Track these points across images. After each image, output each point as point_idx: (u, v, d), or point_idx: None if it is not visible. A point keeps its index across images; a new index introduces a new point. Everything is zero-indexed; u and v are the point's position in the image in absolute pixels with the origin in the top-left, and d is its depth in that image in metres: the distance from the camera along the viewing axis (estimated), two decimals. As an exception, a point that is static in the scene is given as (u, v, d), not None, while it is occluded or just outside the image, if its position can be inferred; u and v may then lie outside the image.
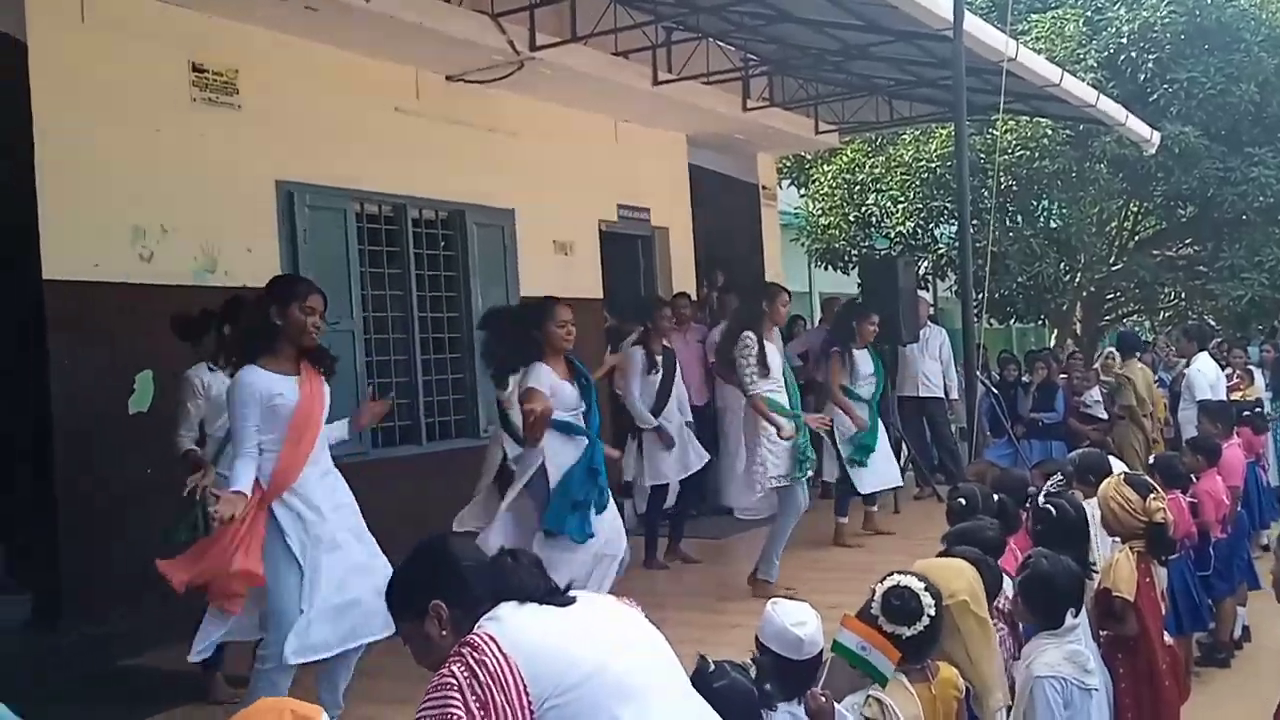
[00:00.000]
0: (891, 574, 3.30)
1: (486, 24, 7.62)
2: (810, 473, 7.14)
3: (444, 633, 2.40)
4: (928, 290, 15.62)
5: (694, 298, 10.10)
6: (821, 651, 3.43)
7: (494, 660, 2.23)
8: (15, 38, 5.97)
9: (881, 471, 8.46)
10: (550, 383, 5.46)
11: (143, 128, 6.44)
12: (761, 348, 6.85)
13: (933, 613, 3.16)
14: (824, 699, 3.06)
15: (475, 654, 2.24)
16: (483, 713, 2.18)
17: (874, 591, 3.29)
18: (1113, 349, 11.73)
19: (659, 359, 7.68)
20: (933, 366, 10.10)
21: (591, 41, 8.38)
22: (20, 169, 5.89)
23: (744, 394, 6.90)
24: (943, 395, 10.13)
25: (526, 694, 2.21)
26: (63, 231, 6.00)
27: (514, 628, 2.31)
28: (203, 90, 6.78)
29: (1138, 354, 10.55)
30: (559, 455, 5.51)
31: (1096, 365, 12.12)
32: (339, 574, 4.30)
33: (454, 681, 2.21)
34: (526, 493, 5.57)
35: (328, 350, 4.50)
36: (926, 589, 3.20)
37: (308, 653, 4.22)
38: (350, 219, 7.61)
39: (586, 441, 5.59)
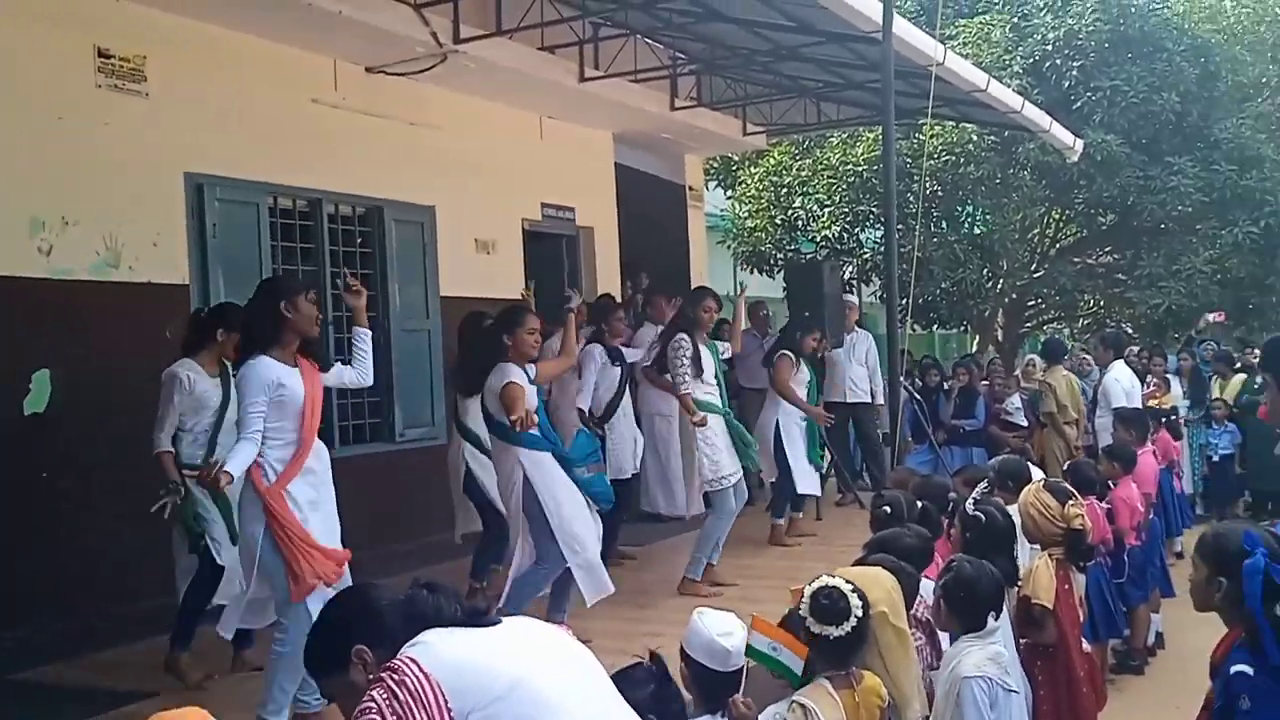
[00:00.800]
0: (818, 577, 3.26)
1: (409, 14, 7.44)
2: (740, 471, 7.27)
3: (370, 677, 2.33)
4: (853, 295, 15.70)
5: (618, 299, 9.99)
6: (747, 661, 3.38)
7: (413, 679, 2.19)
8: (-94, 18, 5.69)
9: (813, 474, 8.71)
10: (523, 376, 5.66)
11: (44, 115, 6.18)
12: (696, 350, 7.03)
13: (860, 614, 3.17)
14: (745, 707, 3.03)
15: (394, 675, 2.20)
16: None
17: (795, 599, 3.26)
18: (1034, 356, 11.86)
19: (615, 355, 7.87)
20: (859, 372, 10.10)
21: (517, 35, 8.24)
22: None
23: (675, 394, 7.08)
24: (869, 400, 10.13)
25: (448, 708, 2.17)
26: (-45, 222, 5.73)
27: (435, 648, 2.28)
28: (108, 77, 6.53)
29: (1062, 361, 10.65)
30: (538, 467, 5.69)
31: (1018, 372, 12.24)
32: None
33: (374, 705, 2.18)
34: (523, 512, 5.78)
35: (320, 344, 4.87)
36: (854, 590, 3.19)
37: None
38: (263, 213, 7.38)
39: (551, 452, 5.77)
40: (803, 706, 3.07)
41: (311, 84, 7.72)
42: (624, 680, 2.80)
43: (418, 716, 2.15)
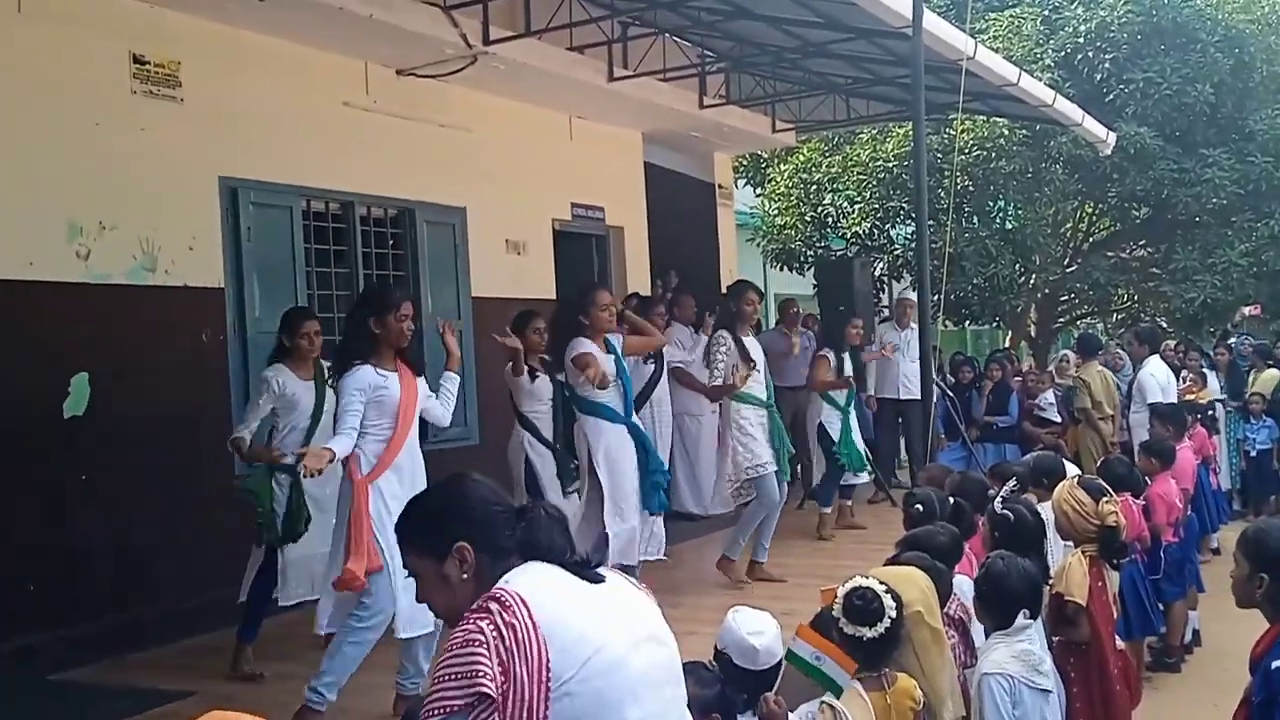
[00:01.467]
0: (851, 577, 3.27)
1: (439, 17, 7.48)
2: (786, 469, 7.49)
3: (464, 578, 2.19)
4: (884, 292, 15.64)
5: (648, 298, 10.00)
6: (780, 661, 3.39)
7: (524, 626, 2.02)
8: (-53, 27, 5.78)
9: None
10: (595, 351, 6.06)
11: (81, 121, 6.25)
12: (740, 344, 7.23)
13: (894, 615, 3.18)
14: (777, 706, 3.04)
15: (506, 614, 2.03)
16: (504, 679, 1.98)
17: (826, 600, 3.26)
18: (1068, 351, 11.77)
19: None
20: (912, 369, 10.10)
21: (546, 36, 8.26)
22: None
23: (703, 389, 7.44)
24: (919, 397, 10.14)
25: (548, 671, 2.01)
26: (-5, 228, 5.81)
27: (544, 593, 2.09)
28: (144, 82, 6.59)
29: (1096, 356, 10.58)
30: (605, 437, 6.11)
31: (1051, 368, 12.15)
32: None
33: (483, 639, 2.00)
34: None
35: (419, 351, 5.24)
36: (888, 591, 3.19)
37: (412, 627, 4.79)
38: (296, 216, 7.43)
39: (625, 428, 6.17)
40: (832, 708, 3.08)
41: (343, 87, 7.77)
42: (691, 677, 2.80)
43: (519, 671, 1.99)
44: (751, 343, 7.36)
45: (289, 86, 7.36)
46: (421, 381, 5.12)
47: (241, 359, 6.89)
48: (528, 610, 2.03)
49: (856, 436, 8.85)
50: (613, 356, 6.16)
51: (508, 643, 2.00)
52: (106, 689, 5.42)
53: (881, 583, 3.25)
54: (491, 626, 2.01)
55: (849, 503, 9.15)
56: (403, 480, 4.88)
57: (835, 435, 8.67)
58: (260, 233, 7.16)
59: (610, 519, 6.02)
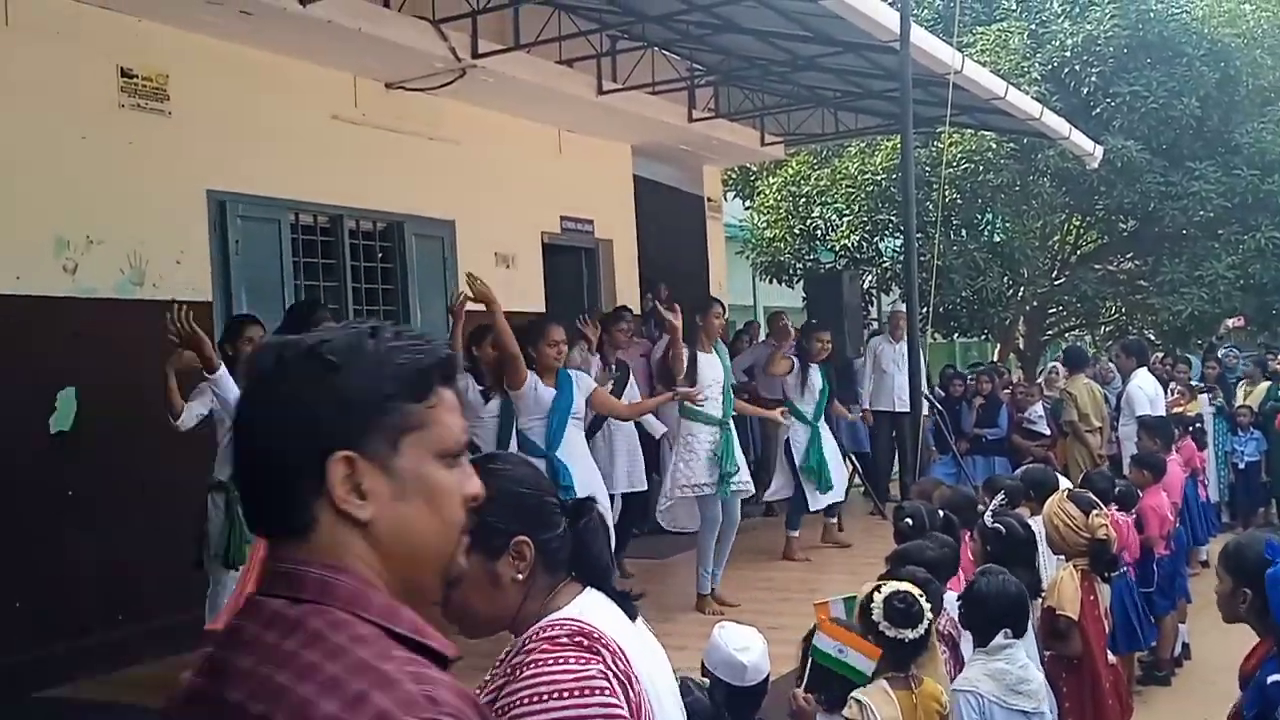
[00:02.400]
0: (882, 583, 3.29)
1: (427, 30, 7.48)
2: (738, 488, 7.12)
3: (517, 578, 1.82)
4: (873, 305, 15.67)
5: (637, 311, 10.01)
6: (768, 677, 3.38)
7: (634, 683, 1.72)
8: (-68, 40, 5.75)
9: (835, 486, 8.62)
10: (534, 383, 5.88)
11: (68, 134, 6.23)
12: (694, 358, 6.97)
13: (930, 617, 3.17)
14: (805, 702, 3.05)
15: (618, 662, 1.71)
16: None
17: (831, 611, 3.27)
18: (1057, 364, 11.79)
19: (614, 367, 7.83)
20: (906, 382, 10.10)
21: (535, 50, 8.27)
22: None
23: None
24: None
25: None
26: (-19, 242, 5.78)
27: (626, 639, 1.80)
28: (131, 96, 6.58)
29: (1084, 369, 10.60)
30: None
31: (1040, 380, 12.17)
32: None
33: (608, 686, 1.66)
34: None
35: None
36: (921, 594, 3.20)
37: None
38: (285, 230, 7.42)
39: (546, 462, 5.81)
40: (859, 703, 3.09)
41: (332, 100, 7.76)
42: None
43: None
44: (708, 359, 7.09)
45: (277, 99, 7.35)
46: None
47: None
48: (627, 662, 1.73)
49: (830, 452, 8.58)
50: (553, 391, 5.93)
51: (631, 701, 1.70)
52: (92, 706, 5.37)
53: (912, 586, 3.26)
54: (606, 671, 1.69)
55: (834, 520, 8.93)
56: None
57: (799, 453, 8.43)
58: (248, 246, 7.14)
59: None
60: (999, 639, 3.60)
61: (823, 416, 8.68)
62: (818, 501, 8.50)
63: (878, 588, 3.25)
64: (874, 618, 3.17)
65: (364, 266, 8.09)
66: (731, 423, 7.21)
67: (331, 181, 7.70)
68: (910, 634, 3.14)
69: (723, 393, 7.15)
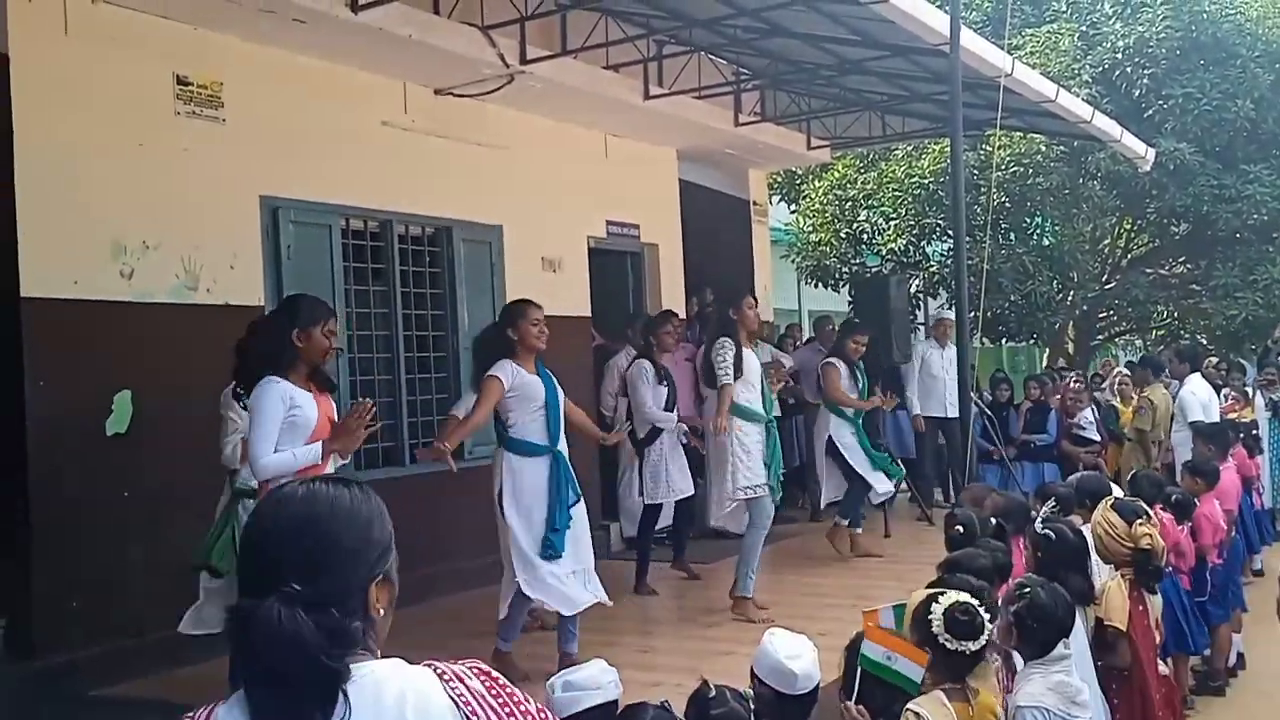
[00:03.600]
0: (940, 593, 3.22)
1: (477, 37, 7.53)
2: (780, 484, 7.21)
3: None
4: (920, 309, 15.57)
5: (683, 315, 10.02)
6: (818, 685, 3.36)
7: None
8: (-4, 49, 5.87)
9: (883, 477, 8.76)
10: (513, 373, 5.67)
11: (125, 141, 6.33)
12: (739, 351, 6.97)
13: (990, 627, 3.12)
14: (859, 714, 3.02)
15: None
16: None
17: (880, 619, 3.24)
18: (1124, 369, 11.63)
19: (663, 372, 7.87)
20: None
21: (582, 55, 8.30)
22: (0, 183, 5.79)
23: (717, 387, 6.97)
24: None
25: None
26: (41, 248, 5.88)
27: None
28: (187, 103, 6.67)
29: (1161, 377, 10.45)
30: (522, 476, 5.66)
31: (1105, 385, 12.02)
32: None
33: None
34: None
35: (325, 373, 4.74)
36: (980, 605, 3.16)
37: None
38: (335, 235, 7.50)
39: (550, 459, 5.71)
40: (916, 715, 3.05)
41: (382, 107, 7.84)
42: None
43: None
44: (749, 355, 7.09)
45: (329, 106, 7.43)
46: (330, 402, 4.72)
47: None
48: None
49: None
50: (543, 382, 5.77)
51: None
52: (149, 705, 5.45)
53: (971, 596, 3.22)
54: None
55: (859, 530, 8.81)
56: None
57: (848, 449, 8.52)
58: (300, 251, 7.22)
59: (518, 563, 5.56)
60: (1060, 649, 3.55)
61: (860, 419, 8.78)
62: (884, 485, 8.66)
63: (934, 597, 3.20)
64: (934, 629, 3.12)
65: (413, 271, 8.15)
66: (774, 419, 7.26)
67: (381, 187, 7.77)
68: (972, 646, 3.09)
69: (763, 389, 7.14)
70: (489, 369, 5.71)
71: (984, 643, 3.08)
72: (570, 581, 5.66)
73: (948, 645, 3.07)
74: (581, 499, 5.87)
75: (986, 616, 3.11)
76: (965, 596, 3.17)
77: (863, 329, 9.12)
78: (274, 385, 4.42)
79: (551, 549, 5.59)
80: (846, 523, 8.69)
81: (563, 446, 5.79)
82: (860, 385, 8.78)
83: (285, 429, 4.38)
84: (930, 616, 3.13)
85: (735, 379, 6.89)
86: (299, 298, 4.93)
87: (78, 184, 6.07)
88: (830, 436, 8.61)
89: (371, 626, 1.63)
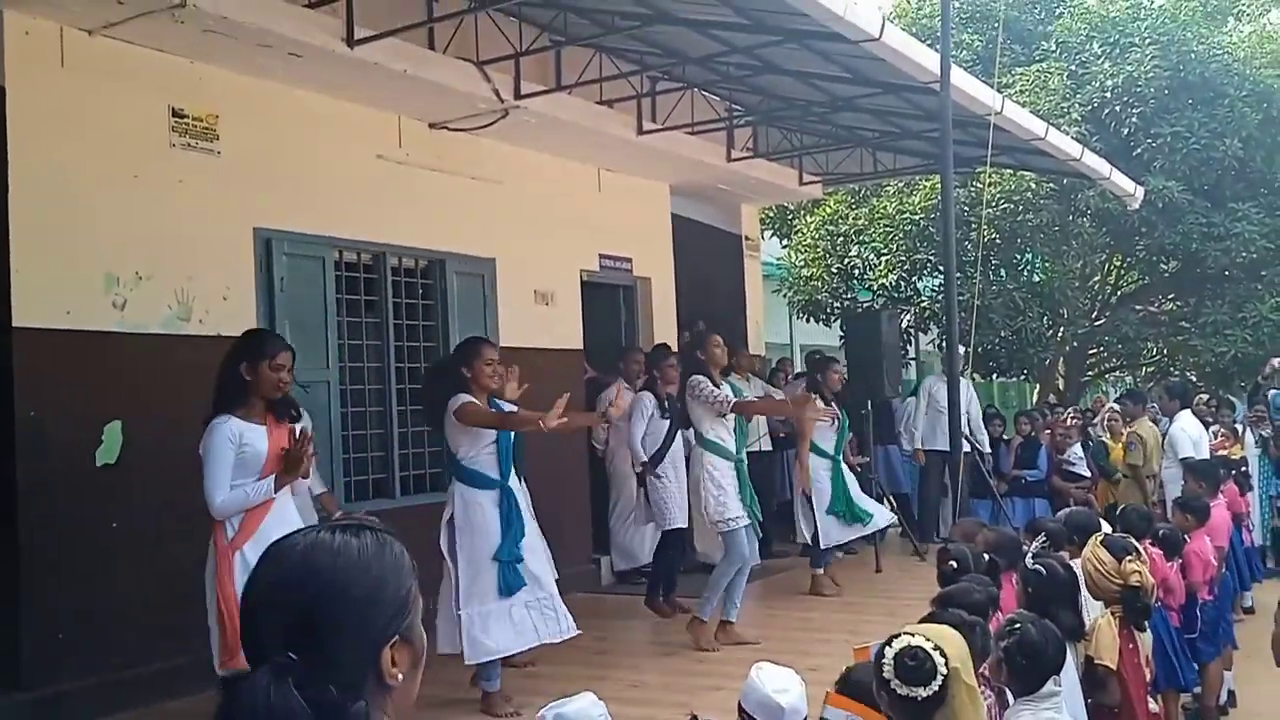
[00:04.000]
0: (897, 636, 3.20)
1: (472, 72, 7.58)
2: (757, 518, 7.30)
3: None
4: (911, 344, 15.62)
5: (674, 349, 10.03)
6: (806, 719, 3.35)
7: None
8: (-8, 81, 5.90)
9: (839, 526, 8.73)
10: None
11: (120, 173, 6.35)
12: (714, 384, 7.16)
13: (945, 671, 3.06)
14: None
15: None
16: None
17: (871, 655, 3.21)
18: (1115, 405, 11.64)
19: (666, 404, 7.93)
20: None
21: (576, 91, 8.36)
22: (-7, 213, 5.81)
23: (720, 412, 7.14)
24: (967, 450, 10.10)
25: None
26: (35, 278, 5.89)
27: None
28: (182, 135, 6.70)
29: (1146, 411, 10.47)
30: (473, 509, 5.72)
31: (1096, 421, 12.03)
32: None
33: None
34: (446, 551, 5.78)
35: (293, 400, 4.84)
36: (936, 649, 3.11)
37: None
38: (329, 267, 7.51)
39: (498, 493, 5.76)
40: None
41: (377, 140, 7.88)
42: None
43: None
44: (725, 390, 7.25)
45: (323, 139, 7.47)
46: (294, 430, 4.76)
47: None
48: None
49: (851, 483, 8.74)
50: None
51: None
52: None
53: (928, 639, 3.19)
54: None
55: (820, 571, 8.82)
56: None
57: (825, 490, 8.57)
58: (293, 283, 7.23)
59: (464, 598, 5.59)
60: (1050, 685, 3.54)
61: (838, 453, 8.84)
62: (827, 540, 8.61)
63: (889, 642, 3.19)
64: (884, 675, 3.11)
65: (405, 303, 8.16)
66: (745, 458, 7.35)
67: (375, 219, 7.80)
68: (923, 692, 3.05)
69: (736, 428, 7.28)
70: (445, 400, 5.76)
71: (936, 688, 3.04)
72: (519, 615, 5.67)
73: (898, 690, 3.04)
74: (536, 531, 5.95)
75: (940, 661, 3.08)
76: (919, 640, 3.13)
77: (833, 361, 9.27)
78: (220, 426, 4.54)
79: (506, 585, 5.63)
80: (820, 571, 8.72)
81: (514, 482, 5.85)
82: (841, 422, 8.82)
83: (237, 465, 4.52)
84: (883, 661, 3.11)
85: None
86: (250, 333, 5.05)
87: (72, 214, 6.09)
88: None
89: (387, 695, 1.44)
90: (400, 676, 1.45)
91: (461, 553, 5.68)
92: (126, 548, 6.10)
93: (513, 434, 5.87)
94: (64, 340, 6.00)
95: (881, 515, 8.95)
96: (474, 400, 5.72)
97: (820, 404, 8.55)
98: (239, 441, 4.53)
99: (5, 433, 5.80)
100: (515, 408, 5.98)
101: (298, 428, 4.74)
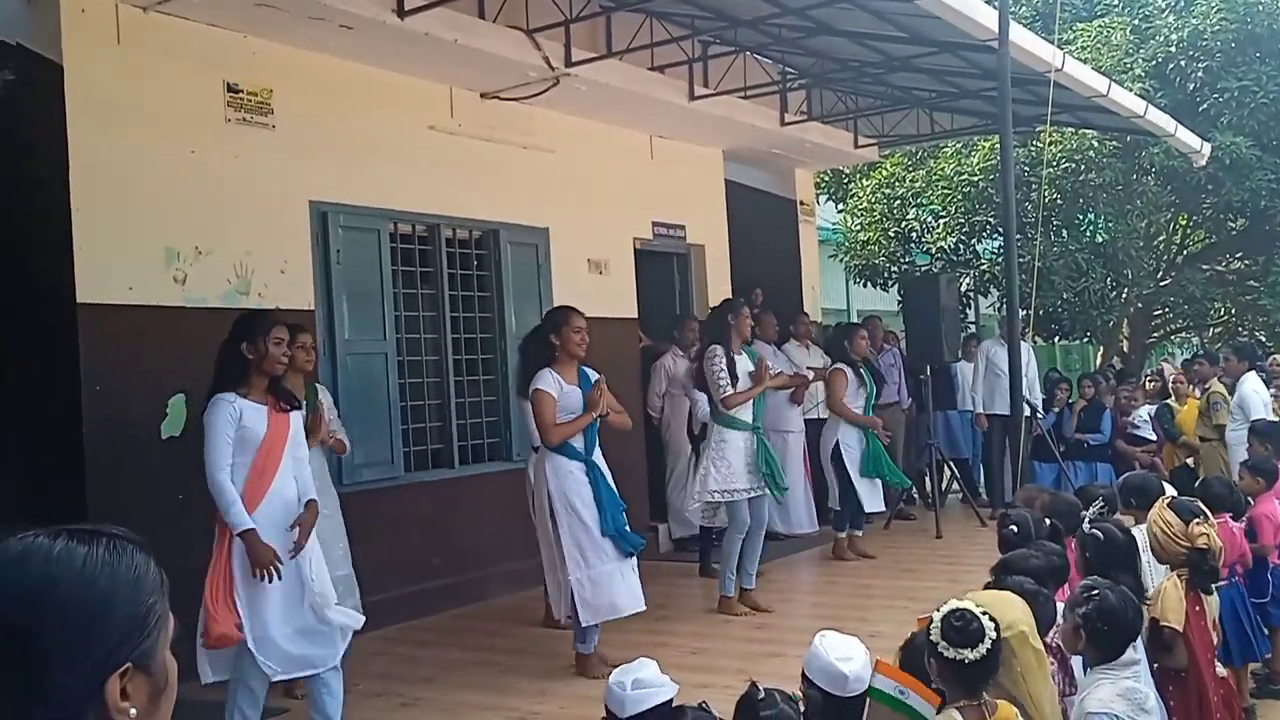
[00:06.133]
0: (945, 602, 3.17)
1: (522, 40, 7.56)
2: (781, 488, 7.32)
3: None
4: (970, 308, 15.42)
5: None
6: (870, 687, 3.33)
7: None
8: (50, 59, 5.97)
9: (876, 489, 8.79)
10: (554, 382, 5.82)
11: (177, 149, 6.42)
12: (730, 360, 7.12)
13: (994, 636, 3.03)
14: None
15: None
16: None
17: (922, 625, 3.18)
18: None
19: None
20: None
21: (627, 57, 8.31)
22: (55, 192, 5.88)
23: (719, 402, 7.15)
24: (1029, 414, 9.98)
25: None
26: (96, 254, 5.98)
27: None
28: (237, 110, 6.75)
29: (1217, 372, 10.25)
30: (568, 479, 5.84)
31: (1155, 383, 11.81)
32: (277, 608, 4.60)
33: None
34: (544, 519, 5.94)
35: (288, 390, 4.87)
36: (985, 613, 3.08)
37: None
38: (384, 239, 7.55)
39: (585, 467, 5.87)
40: None
41: (429, 111, 7.89)
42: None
43: None
44: (741, 361, 7.19)
45: (376, 111, 7.49)
46: (295, 416, 4.78)
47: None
48: None
49: (878, 448, 8.73)
50: (581, 390, 5.91)
51: None
52: (204, 706, 5.51)
53: (977, 604, 3.15)
54: None
55: (859, 533, 8.90)
56: (276, 533, 4.59)
57: (855, 460, 8.57)
58: (349, 255, 7.28)
59: (572, 566, 5.74)
60: (1130, 653, 3.48)
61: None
62: (873, 503, 8.68)
63: (939, 607, 3.15)
64: (932, 639, 3.07)
65: (460, 274, 8.19)
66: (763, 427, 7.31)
67: (429, 191, 7.82)
68: (970, 654, 3.00)
69: (756, 398, 7.21)
70: (532, 377, 5.89)
71: (985, 651, 3.00)
72: (630, 578, 5.85)
73: (945, 653, 3.00)
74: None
75: (989, 624, 3.03)
76: (965, 603, 3.10)
77: (858, 328, 9.28)
78: (220, 403, 4.59)
79: (627, 546, 5.80)
80: (843, 535, 8.71)
81: (598, 457, 5.93)
82: (869, 389, 8.79)
83: (236, 444, 4.57)
84: (931, 626, 3.08)
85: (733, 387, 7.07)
86: (246, 313, 5.11)
87: (131, 191, 6.16)
88: (837, 442, 8.60)
89: None
90: (134, 713, 1.21)
91: (561, 520, 5.79)
92: (194, 520, 6.19)
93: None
94: (127, 315, 6.10)
95: (874, 497, 8.81)
96: (549, 393, 5.79)
97: (850, 372, 8.67)
98: (239, 419, 4.57)
99: (72, 409, 5.90)
100: (599, 376, 6.03)
101: (321, 405, 4.84)
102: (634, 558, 5.89)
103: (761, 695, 2.98)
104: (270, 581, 4.51)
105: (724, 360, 7.09)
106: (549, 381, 5.81)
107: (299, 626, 4.63)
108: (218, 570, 4.55)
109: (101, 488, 5.92)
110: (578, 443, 5.88)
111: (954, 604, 3.13)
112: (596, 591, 5.73)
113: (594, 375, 6.02)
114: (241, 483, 4.58)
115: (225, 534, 4.59)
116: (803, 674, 3.37)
